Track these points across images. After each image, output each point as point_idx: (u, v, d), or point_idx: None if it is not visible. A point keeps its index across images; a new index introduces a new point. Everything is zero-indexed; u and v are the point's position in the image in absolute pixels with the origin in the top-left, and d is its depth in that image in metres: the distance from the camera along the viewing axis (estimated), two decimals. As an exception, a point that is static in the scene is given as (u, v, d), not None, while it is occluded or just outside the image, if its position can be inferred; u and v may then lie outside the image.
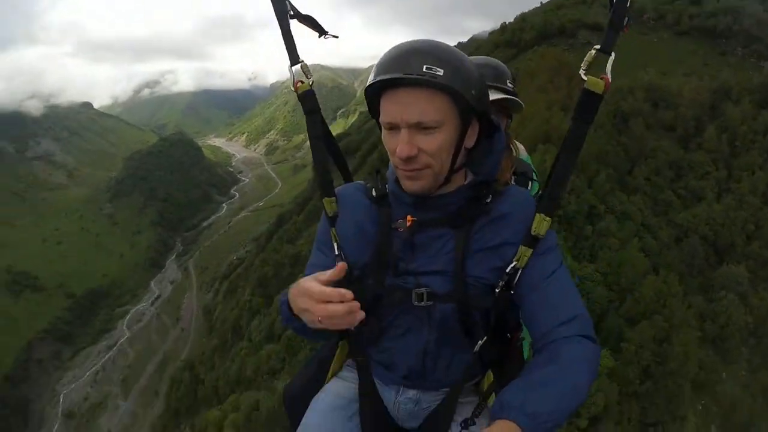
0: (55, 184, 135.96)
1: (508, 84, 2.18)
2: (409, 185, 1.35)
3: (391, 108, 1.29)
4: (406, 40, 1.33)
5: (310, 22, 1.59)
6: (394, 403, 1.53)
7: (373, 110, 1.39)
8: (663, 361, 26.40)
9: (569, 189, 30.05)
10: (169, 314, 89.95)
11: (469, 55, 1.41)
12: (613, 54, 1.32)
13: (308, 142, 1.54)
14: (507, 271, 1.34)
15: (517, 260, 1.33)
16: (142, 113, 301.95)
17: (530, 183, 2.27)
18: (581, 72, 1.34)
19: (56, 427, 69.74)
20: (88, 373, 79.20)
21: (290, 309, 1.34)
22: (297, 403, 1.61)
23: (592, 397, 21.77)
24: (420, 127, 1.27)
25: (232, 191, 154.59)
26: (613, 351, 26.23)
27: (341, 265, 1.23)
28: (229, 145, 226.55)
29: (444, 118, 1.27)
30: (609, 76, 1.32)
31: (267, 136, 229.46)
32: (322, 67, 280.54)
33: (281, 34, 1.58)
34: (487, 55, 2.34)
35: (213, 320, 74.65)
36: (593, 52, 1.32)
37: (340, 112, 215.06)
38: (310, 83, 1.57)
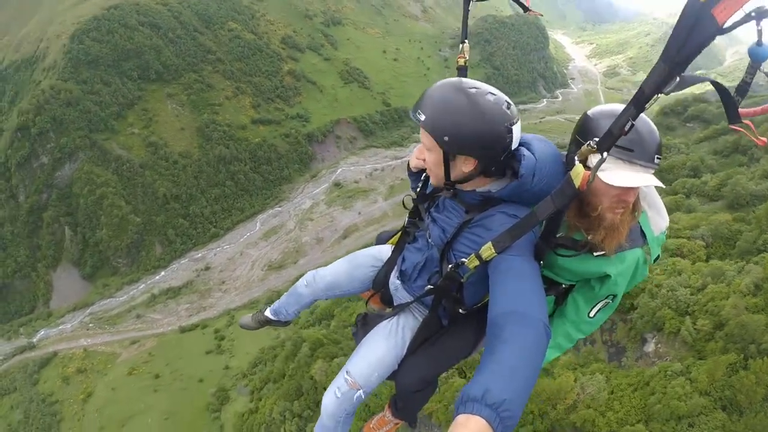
0: (409, 12, 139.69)
1: (638, 162, 1.69)
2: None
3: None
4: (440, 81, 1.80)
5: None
6: (391, 281, 2.39)
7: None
8: None
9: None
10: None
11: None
12: (605, 155, 1.36)
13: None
14: (464, 260, 1.81)
15: (472, 258, 1.76)
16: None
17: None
18: (576, 157, 1.46)
19: (326, 186, 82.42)
20: (368, 166, 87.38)
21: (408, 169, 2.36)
22: (380, 242, 2.68)
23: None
24: (424, 146, 1.87)
25: (557, 92, 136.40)
26: None
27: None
28: (573, 49, 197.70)
29: (431, 146, 1.80)
30: (593, 175, 1.38)
31: (613, 57, 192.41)
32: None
33: (462, 15, 2.33)
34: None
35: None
36: (591, 144, 1.41)
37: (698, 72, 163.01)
38: (465, 61, 2.33)
